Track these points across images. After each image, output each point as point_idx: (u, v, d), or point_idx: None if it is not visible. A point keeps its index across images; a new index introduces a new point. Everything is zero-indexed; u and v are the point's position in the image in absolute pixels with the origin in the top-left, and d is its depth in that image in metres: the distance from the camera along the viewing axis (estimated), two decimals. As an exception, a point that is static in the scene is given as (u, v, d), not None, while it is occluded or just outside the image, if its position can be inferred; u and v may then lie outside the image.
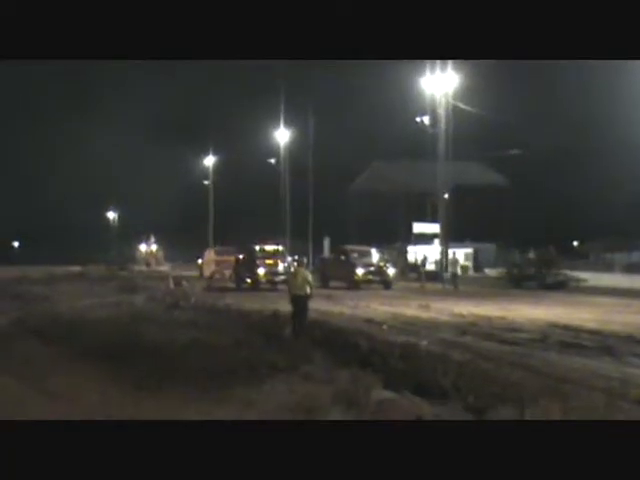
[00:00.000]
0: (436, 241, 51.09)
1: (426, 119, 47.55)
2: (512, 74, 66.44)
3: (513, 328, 18.65)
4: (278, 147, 67.61)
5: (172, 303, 24.94)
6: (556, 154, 68.37)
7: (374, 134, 73.19)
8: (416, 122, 48.25)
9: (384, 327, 18.98)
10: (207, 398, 9.99)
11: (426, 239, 56.47)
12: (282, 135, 66.91)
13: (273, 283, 35.64)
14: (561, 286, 36.21)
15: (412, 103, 48.52)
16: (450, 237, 49.57)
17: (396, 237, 63.82)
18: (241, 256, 38.54)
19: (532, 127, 64.96)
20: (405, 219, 64.30)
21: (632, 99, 45.29)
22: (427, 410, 9.25)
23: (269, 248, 38.56)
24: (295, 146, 66.79)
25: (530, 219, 66.21)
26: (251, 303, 25.35)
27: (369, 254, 39.75)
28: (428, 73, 45.68)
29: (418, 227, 60.37)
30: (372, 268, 37.53)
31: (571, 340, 16.09)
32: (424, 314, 22.68)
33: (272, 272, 35.93)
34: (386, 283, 37.20)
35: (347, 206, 75.16)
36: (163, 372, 11.66)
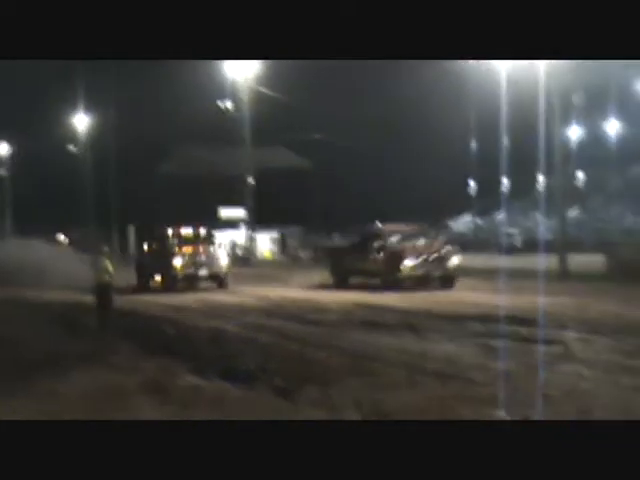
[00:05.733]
0: (242, 226, 51.27)
1: (229, 104, 47.56)
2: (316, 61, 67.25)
3: (319, 309, 18.92)
4: (79, 133, 65.77)
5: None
6: (360, 138, 69.91)
7: (178, 119, 72.34)
8: (219, 107, 48.16)
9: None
10: (8, 391, 9.58)
11: (233, 224, 56.58)
12: (81, 121, 65.16)
13: (195, 279, 27.29)
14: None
15: (216, 87, 48.35)
16: (257, 221, 49.77)
17: (202, 222, 63.50)
18: (145, 246, 30.18)
19: (337, 111, 66.07)
20: (211, 204, 64.11)
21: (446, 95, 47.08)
22: (234, 394, 9.28)
23: (187, 232, 28.62)
24: (97, 132, 65.13)
25: (337, 203, 67.44)
26: (53, 293, 24.53)
27: (420, 235, 26.78)
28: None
29: (224, 212, 60.37)
30: (427, 257, 25.02)
31: (375, 319, 16.44)
32: (231, 298, 22.68)
33: (194, 263, 26.95)
34: (448, 280, 24.72)
35: (153, 192, 74.03)
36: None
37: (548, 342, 12.22)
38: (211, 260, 27.19)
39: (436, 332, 14.16)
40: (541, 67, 28.39)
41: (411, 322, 15.58)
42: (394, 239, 26.01)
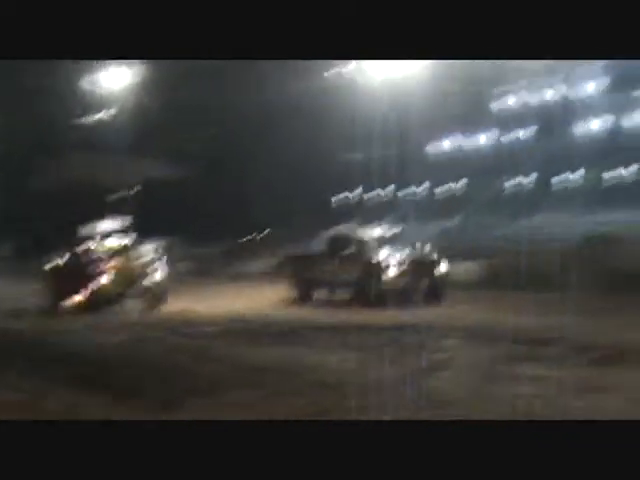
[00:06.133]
0: (123, 236, 50.46)
1: (108, 113, 47.00)
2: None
3: (207, 322, 18.49)
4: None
5: None
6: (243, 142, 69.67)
7: (56, 129, 70.81)
8: (97, 117, 47.54)
9: None
10: None
11: (113, 235, 55.62)
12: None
13: (124, 297, 22.61)
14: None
15: (95, 97, 47.53)
16: (136, 232, 49.18)
17: (79, 235, 62.16)
18: (57, 262, 24.24)
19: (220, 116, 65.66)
20: (88, 216, 62.81)
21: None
22: (117, 411, 9.13)
23: (110, 244, 25.33)
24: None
25: (222, 210, 66.98)
26: None
27: (399, 240, 22.76)
28: (111, 66, 44.94)
29: (103, 224, 59.27)
30: (411, 266, 21.48)
31: (267, 330, 16.39)
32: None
33: (123, 280, 22.90)
34: (435, 290, 21.30)
35: (23, 206, 71.97)
36: None
37: (429, 350, 12.49)
38: (144, 275, 23.60)
39: (318, 342, 14.32)
40: (425, 71, 28.44)
41: (296, 333, 15.72)
42: (370, 244, 22.20)
